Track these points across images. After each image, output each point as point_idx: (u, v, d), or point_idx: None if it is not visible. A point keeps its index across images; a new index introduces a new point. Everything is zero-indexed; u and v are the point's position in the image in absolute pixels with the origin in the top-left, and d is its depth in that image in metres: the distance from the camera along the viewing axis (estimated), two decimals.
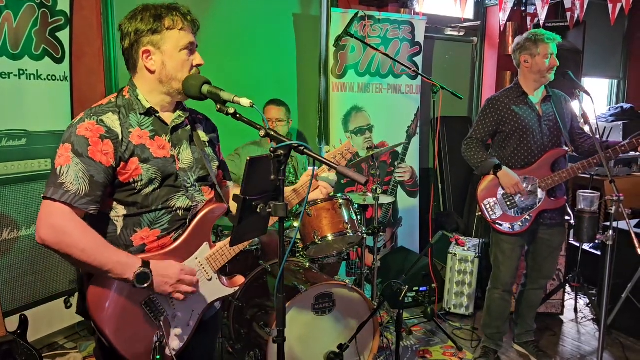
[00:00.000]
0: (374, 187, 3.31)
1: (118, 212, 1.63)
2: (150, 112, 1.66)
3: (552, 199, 3.07)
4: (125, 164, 1.58)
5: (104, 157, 1.54)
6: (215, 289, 1.79)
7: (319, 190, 1.88)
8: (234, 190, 1.95)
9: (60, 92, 3.32)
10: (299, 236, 3.14)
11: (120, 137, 1.57)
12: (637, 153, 2.86)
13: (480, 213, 3.16)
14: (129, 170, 1.58)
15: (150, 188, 1.62)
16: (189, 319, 1.73)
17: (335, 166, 1.48)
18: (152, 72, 1.63)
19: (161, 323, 1.64)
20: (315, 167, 1.80)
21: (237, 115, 1.55)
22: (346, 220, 3.04)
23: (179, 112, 1.72)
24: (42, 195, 1.54)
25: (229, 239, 1.58)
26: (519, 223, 3.08)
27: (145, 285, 1.56)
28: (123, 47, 1.65)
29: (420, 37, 4.52)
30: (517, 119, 3.03)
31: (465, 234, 4.60)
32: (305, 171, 3.81)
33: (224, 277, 1.83)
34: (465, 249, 4.07)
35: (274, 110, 3.67)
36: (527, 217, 3.07)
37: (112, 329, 1.57)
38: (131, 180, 1.59)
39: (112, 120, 1.58)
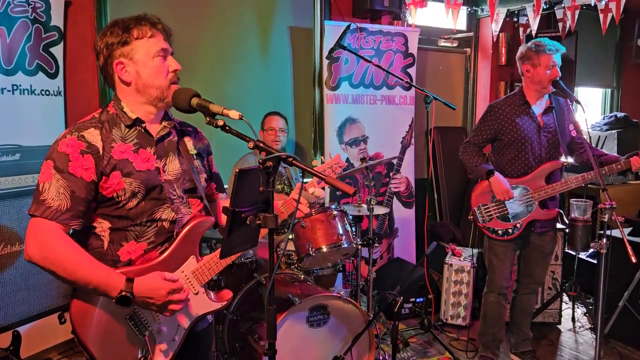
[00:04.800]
0: (369, 198, 3.31)
1: (103, 226, 1.63)
2: (136, 123, 1.66)
3: (544, 209, 3.09)
4: (107, 178, 1.58)
5: (85, 172, 1.55)
6: (202, 303, 1.77)
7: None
8: (226, 202, 1.95)
9: (54, 106, 3.32)
10: (293, 248, 3.14)
11: (101, 152, 1.58)
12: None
13: (472, 217, 3.19)
14: (111, 184, 1.59)
15: (134, 202, 1.62)
16: (174, 334, 1.72)
17: (324, 177, 1.48)
18: (128, 84, 1.65)
19: (145, 338, 1.63)
20: (305, 181, 1.81)
21: (227, 128, 1.56)
22: (340, 232, 3.03)
23: (164, 123, 1.73)
24: (27, 211, 1.56)
25: (217, 251, 1.57)
26: (509, 230, 3.11)
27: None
28: (99, 66, 1.68)
29: (413, 48, 4.55)
30: (516, 129, 3.05)
31: (461, 244, 4.59)
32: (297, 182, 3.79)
33: (211, 292, 1.82)
34: (462, 259, 4.06)
35: (279, 120, 3.71)
36: (517, 225, 3.09)
37: (96, 345, 1.56)
38: (114, 194, 1.60)
39: (93, 136, 1.59)
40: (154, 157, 1.68)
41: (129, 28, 1.61)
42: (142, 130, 1.68)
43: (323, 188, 2.00)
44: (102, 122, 1.63)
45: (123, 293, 1.51)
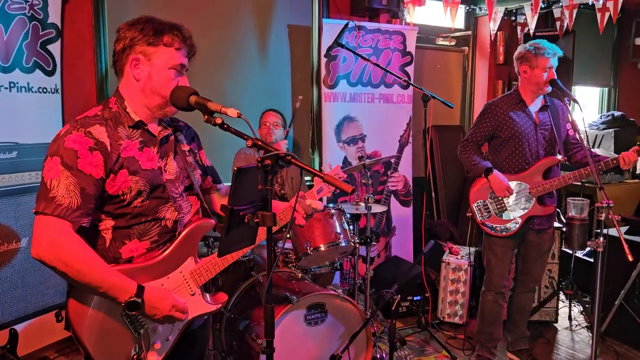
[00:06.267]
0: (367, 197, 3.31)
1: (106, 224, 1.62)
2: (139, 125, 1.66)
3: (542, 205, 3.11)
4: (114, 176, 1.57)
5: (94, 169, 1.54)
6: (197, 305, 1.77)
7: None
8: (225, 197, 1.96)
9: (51, 104, 3.31)
10: (290, 246, 3.14)
11: (109, 149, 1.57)
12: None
13: (470, 214, 3.22)
14: (118, 182, 1.58)
15: (139, 200, 1.62)
16: (169, 333, 1.72)
17: (322, 176, 1.48)
18: (137, 80, 1.64)
19: (141, 335, 1.63)
20: (306, 179, 1.83)
21: (225, 126, 1.56)
22: (338, 230, 3.04)
23: (162, 125, 1.74)
24: (33, 210, 1.52)
25: (216, 254, 1.58)
26: (507, 226, 3.13)
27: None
28: (115, 49, 1.66)
29: (411, 47, 4.55)
30: (513, 125, 3.08)
31: (459, 243, 4.60)
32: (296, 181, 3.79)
33: (207, 294, 1.82)
34: (459, 257, 4.07)
35: (272, 116, 3.73)
36: (516, 222, 3.11)
37: (92, 341, 1.56)
38: (120, 192, 1.59)
39: (99, 132, 1.57)
40: (157, 156, 1.68)
41: (162, 32, 1.61)
42: (145, 130, 1.68)
43: (320, 199, 2.05)
44: (106, 120, 1.61)
45: (134, 298, 1.53)
